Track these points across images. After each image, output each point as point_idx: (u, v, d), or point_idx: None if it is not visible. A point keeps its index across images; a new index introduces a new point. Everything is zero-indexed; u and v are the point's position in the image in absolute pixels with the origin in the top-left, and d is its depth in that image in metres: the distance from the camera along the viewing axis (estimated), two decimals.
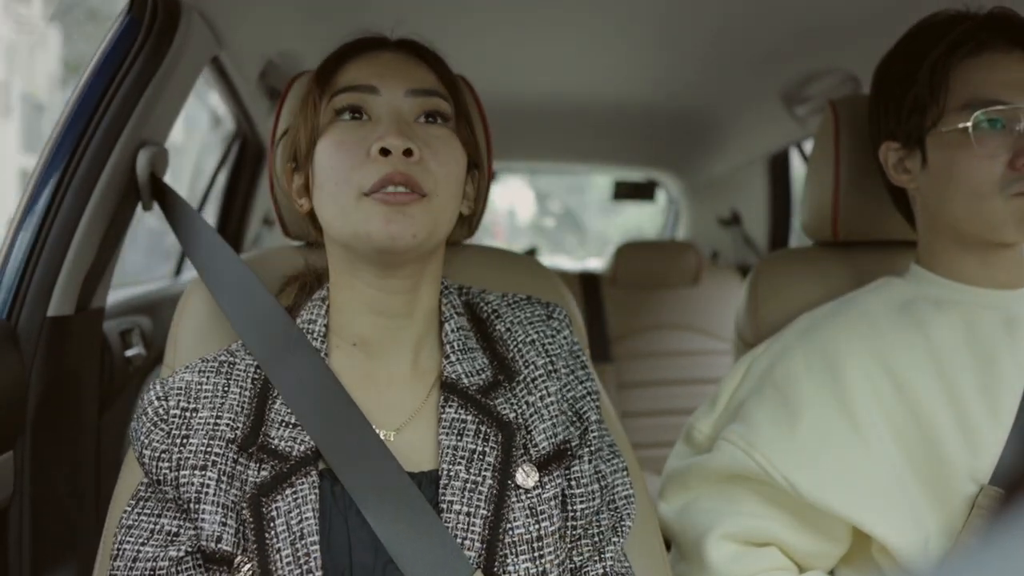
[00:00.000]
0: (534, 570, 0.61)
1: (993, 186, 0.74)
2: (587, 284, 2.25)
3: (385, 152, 0.60)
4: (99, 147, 0.95)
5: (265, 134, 1.76)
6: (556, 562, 0.62)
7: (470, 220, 0.84)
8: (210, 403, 0.64)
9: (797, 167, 2.49)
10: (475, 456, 0.63)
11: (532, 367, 0.69)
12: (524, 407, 0.67)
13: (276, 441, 0.62)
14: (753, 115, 2.05)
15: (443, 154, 0.64)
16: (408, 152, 0.60)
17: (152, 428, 0.63)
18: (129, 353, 1.23)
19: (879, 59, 0.88)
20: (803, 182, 1.04)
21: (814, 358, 0.80)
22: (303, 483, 0.60)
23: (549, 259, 4.30)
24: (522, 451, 0.64)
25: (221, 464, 0.61)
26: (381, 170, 0.60)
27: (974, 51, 0.76)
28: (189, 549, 0.60)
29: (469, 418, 0.65)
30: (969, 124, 0.74)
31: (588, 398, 0.71)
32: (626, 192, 3.18)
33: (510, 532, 0.61)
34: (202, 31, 1.08)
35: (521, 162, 3.08)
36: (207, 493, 0.59)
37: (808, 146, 2.23)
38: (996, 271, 0.80)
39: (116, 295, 1.33)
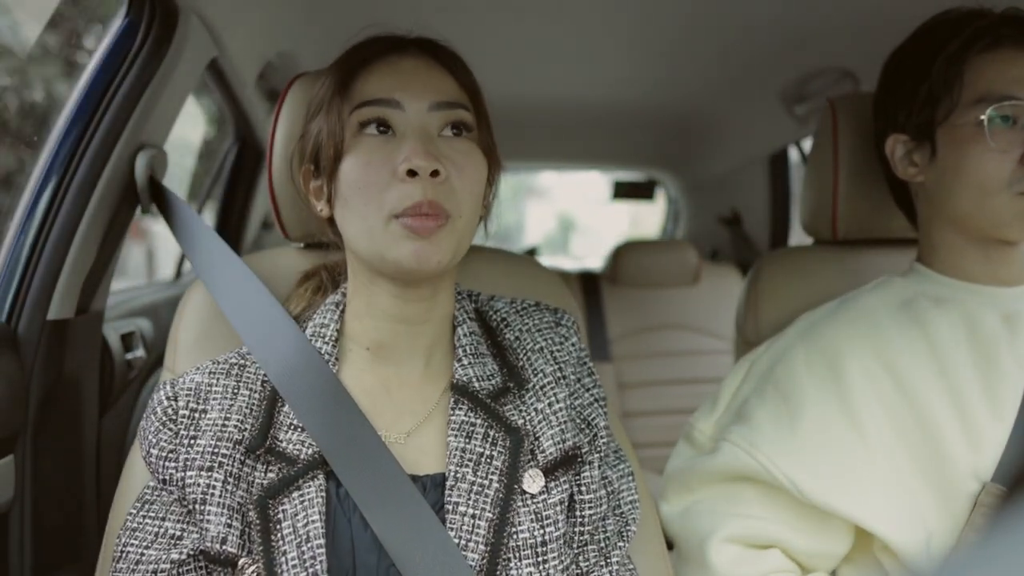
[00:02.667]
0: (537, 575, 0.61)
1: (1001, 182, 0.74)
2: (586, 284, 2.25)
3: (412, 173, 0.60)
4: (98, 150, 0.95)
5: (264, 136, 1.75)
6: (560, 567, 0.62)
7: (484, 222, 0.84)
8: (219, 404, 0.64)
9: (796, 165, 2.49)
10: (483, 459, 0.63)
11: (541, 375, 0.69)
12: (533, 414, 0.67)
13: (284, 444, 0.63)
14: (752, 114, 2.05)
15: (467, 170, 0.64)
16: (435, 173, 0.60)
17: (160, 428, 0.63)
18: (129, 356, 1.23)
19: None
20: (802, 181, 1.04)
21: (815, 357, 0.80)
22: (310, 486, 0.60)
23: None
24: (529, 456, 0.65)
25: (228, 465, 0.61)
26: (410, 195, 0.60)
27: (990, 46, 0.76)
28: (192, 552, 0.60)
29: (478, 422, 0.65)
30: (984, 117, 0.74)
31: (596, 404, 0.72)
32: (626, 192, 3.19)
33: (514, 536, 0.61)
34: (200, 33, 1.08)
35: (520, 163, 3.09)
36: (213, 494, 0.59)
37: (807, 144, 2.23)
38: (997, 267, 0.80)
39: (116, 297, 1.33)
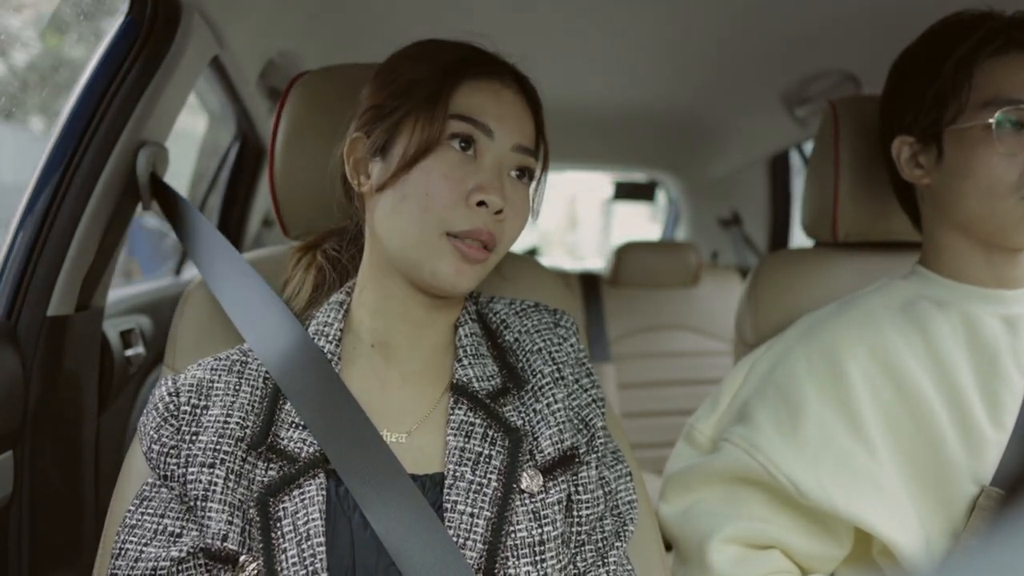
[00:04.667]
0: (535, 574, 0.61)
1: (1009, 186, 0.74)
2: (587, 284, 2.25)
3: (481, 203, 0.63)
4: (99, 147, 0.95)
5: (265, 134, 1.75)
6: (558, 567, 0.62)
7: None
8: (221, 401, 0.64)
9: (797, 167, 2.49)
10: (481, 459, 0.63)
11: (539, 375, 0.70)
12: (531, 414, 0.67)
13: (285, 442, 0.63)
14: (753, 117, 2.05)
15: (520, 215, 0.68)
16: (499, 211, 0.64)
17: (162, 424, 0.63)
18: (129, 353, 1.23)
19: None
20: (803, 183, 1.04)
21: (815, 359, 0.80)
22: (311, 484, 0.61)
23: None
24: (528, 456, 0.65)
25: (229, 463, 0.61)
26: (473, 221, 0.63)
27: (1000, 50, 0.75)
28: (191, 549, 0.60)
29: (477, 421, 0.65)
30: (992, 121, 0.73)
31: (593, 405, 0.72)
32: (626, 192, 3.19)
33: (512, 535, 0.61)
34: (202, 31, 1.08)
35: None
36: (214, 491, 0.59)
37: (808, 147, 2.23)
38: (999, 271, 0.80)
39: (116, 294, 1.33)
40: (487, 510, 0.61)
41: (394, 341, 0.69)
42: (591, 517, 0.66)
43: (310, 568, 0.57)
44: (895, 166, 0.85)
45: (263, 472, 0.61)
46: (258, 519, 0.59)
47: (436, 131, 0.64)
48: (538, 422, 0.67)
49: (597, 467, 0.69)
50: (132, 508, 0.63)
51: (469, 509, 0.61)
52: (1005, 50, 0.75)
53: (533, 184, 0.71)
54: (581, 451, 0.67)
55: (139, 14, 0.99)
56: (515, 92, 0.69)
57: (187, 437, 0.62)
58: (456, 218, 0.63)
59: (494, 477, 0.63)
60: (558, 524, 0.63)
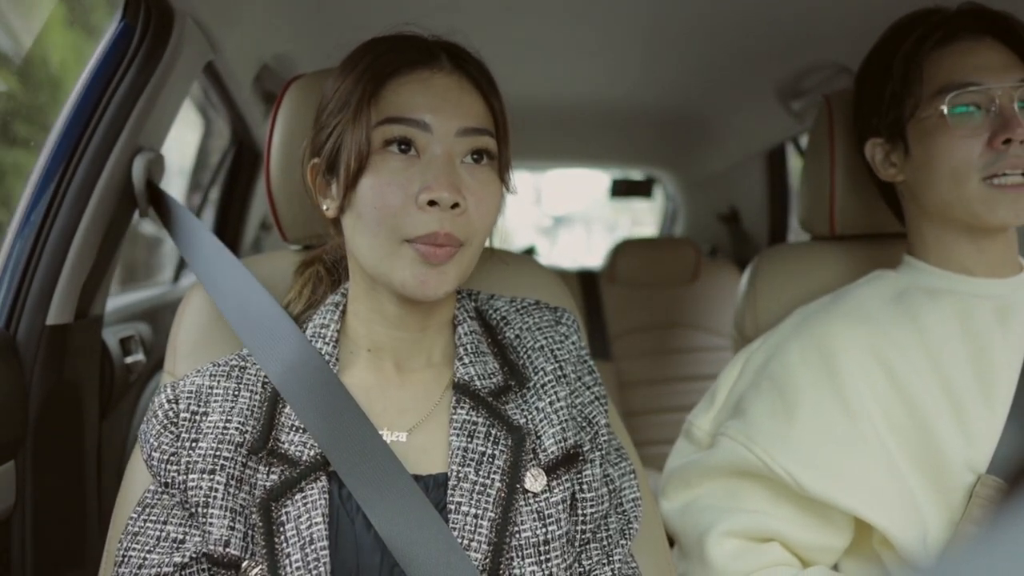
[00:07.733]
0: (540, 573, 0.61)
1: (971, 167, 0.75)
2: (585, 282, 2.25)
3: (432, 203, 0.60)
4: (95, 154, 0.95)
5: (261, 138, 1.75)
6: (563, 566, 0.62)
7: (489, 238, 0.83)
8: (220, 407, 0.64)
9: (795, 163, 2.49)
10: (485, 459, 0.63)
11: (541, 373, 0.69)
12: (534, 412, 0.67)
13: (286, 446, 0.63)
14: (748, 111, 2.05)
15: (485, 201, 0.63)
16: (455, 205, 0.60)
17: (162, 431, 0.63)
18: (129, 360, 1.23)
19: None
20: (800, 177, 1.05)
21: (809, 351, 0.80)
22: (313, 488, 0.61)
23: None
24: (531, 455, 0.65)
25: (230, 468, 0.61)
26: (427, 224, 0.60)
27: (944, 40, 0.78)
28: (194, 555, 0.60)
29: (480, 420, 0.65)
30: (945, 107, 0.75)
31: (596, 403, 0.72)
32: (624, 190, 3.18)
33: (517, 535, 0.61)
34: (196, 36, 1.08)
35: (517, 162, 3.08)
36: (215, 497, 0.59)
37: (804, 141, 2.23)
38: (988, 257, 0.81)
39: (115, 302, 1.33)
40: (491, 511, 0.61)
41: (390, 345, 0.69)
42: (595, 515, 0.66)
43: (314, 572, 0.57)
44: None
45: (264, 476, 0.61)
46: (261, 524, 0.59)
47: (365, 143, 0.61)
48: (541, 420, 0.66)
49: (601, 465, 0.69)
50: (134, 515, 0.63)
51: (473, 510, 0.61)
52: (949, 40, 0.78)
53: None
54: (584, 449, 0.67)
55: (133, 20, 0.99)
56: (449, 75, 0.65)
57: (187, 444, 0.62)
58: (410, 224, 0.60)
59: (498, 477, 0.62)
60: (562, 523, 0.63)
